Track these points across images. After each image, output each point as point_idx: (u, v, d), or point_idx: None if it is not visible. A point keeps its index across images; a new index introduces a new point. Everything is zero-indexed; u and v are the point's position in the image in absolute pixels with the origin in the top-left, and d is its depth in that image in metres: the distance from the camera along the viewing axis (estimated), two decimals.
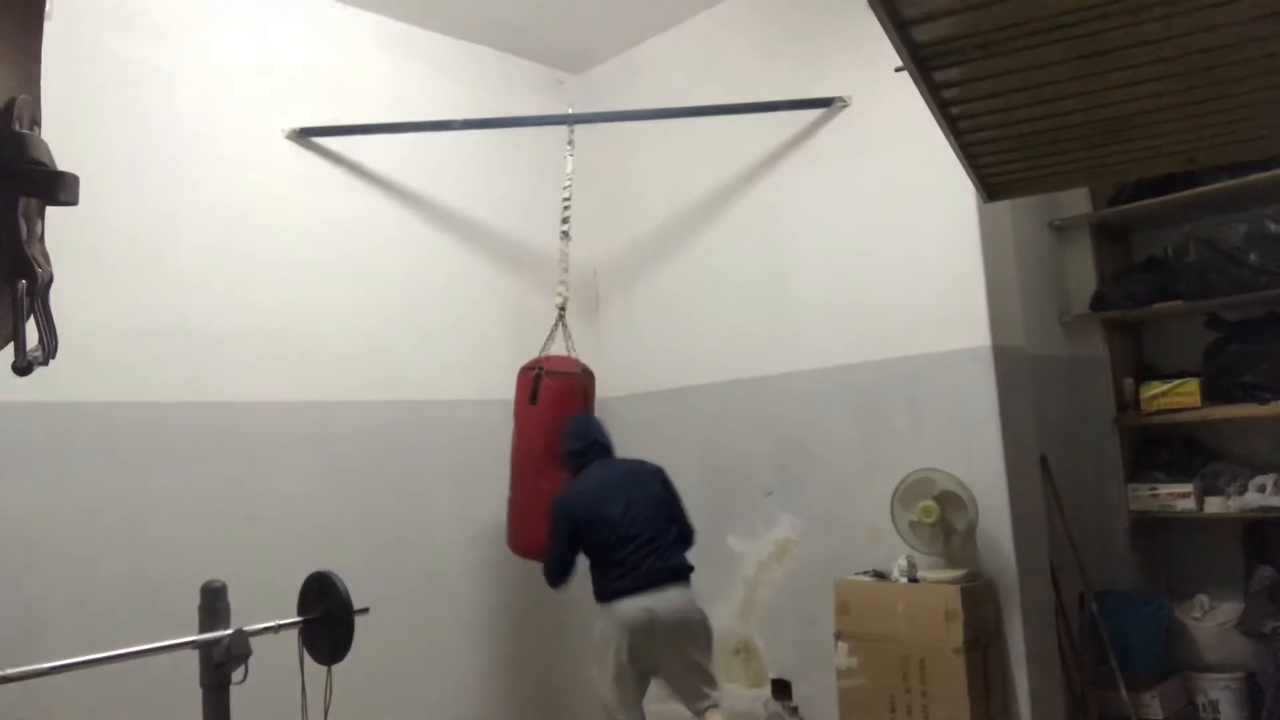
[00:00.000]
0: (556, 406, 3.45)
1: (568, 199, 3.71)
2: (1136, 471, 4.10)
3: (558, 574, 3.21)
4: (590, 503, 3.17)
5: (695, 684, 3.10)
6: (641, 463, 3.37)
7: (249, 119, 3.48)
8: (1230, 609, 3.81)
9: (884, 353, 3.50)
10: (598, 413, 3.70)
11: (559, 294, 3.65)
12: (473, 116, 3.98)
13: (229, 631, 1.98)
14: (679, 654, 3.08)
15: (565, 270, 3.66)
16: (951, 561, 3.19)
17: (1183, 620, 3.87)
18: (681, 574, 3.14)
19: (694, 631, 3.10)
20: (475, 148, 4.14)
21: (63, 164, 0.90)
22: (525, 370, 3.57)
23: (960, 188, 2.84)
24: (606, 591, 3.10)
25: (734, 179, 4.04)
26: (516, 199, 4.30)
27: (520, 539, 3.52)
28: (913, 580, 3.16)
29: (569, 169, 3.71)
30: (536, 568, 3.28)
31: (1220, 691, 3.68)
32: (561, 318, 3.64)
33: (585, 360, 3.65)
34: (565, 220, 3.69)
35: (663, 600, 3.04)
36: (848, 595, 3.29)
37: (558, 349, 3.61)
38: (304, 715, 2.13)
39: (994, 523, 3.19)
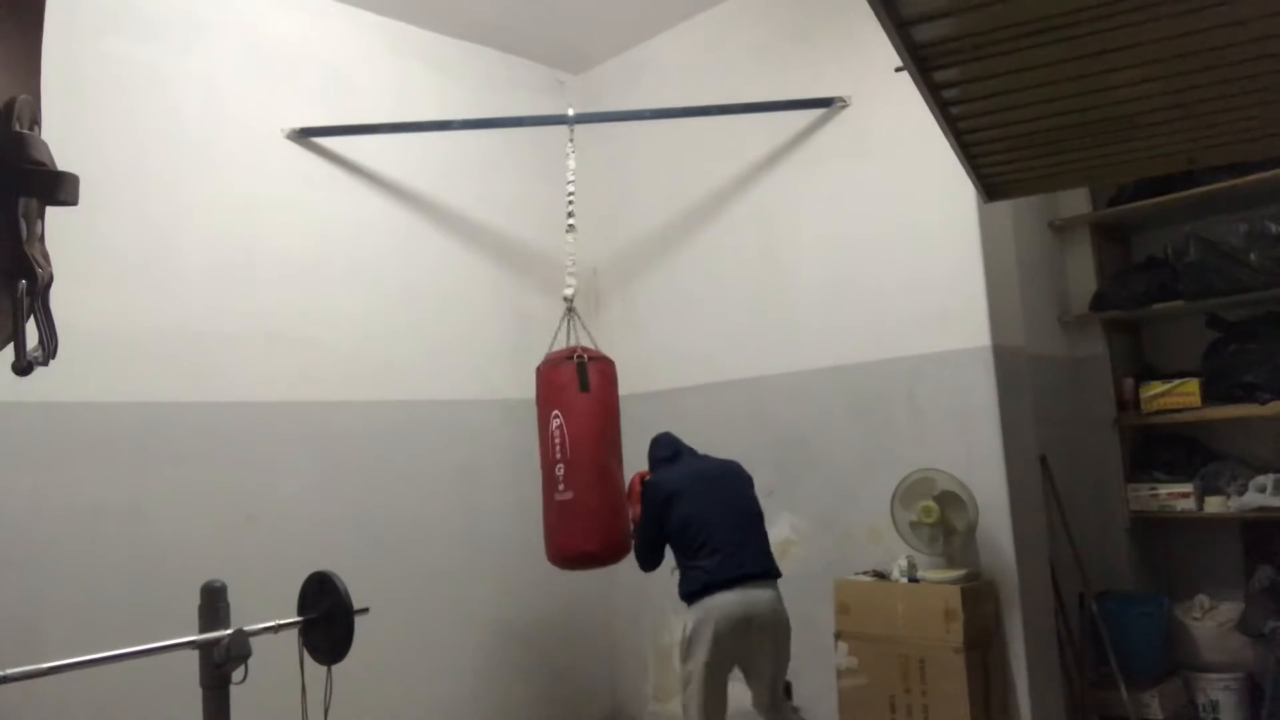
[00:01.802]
0: (606, 390, 3.30)
1: (571, 193, 3.70)
2: (1136, 471, 4.10)
3: (649, 555, 3.12)
4: (681, 480, 3.08)
5: (780, 698, 3.00)
6: (734, 463, 3.24)
7: (249, 119, 3.48)
8: (1230, 609, 3.81)
9: (884, 352, 3.49)
10: None
11: (569, 285, 3.64)
12: (473, 116, 3.99)
13: (229, 631, 1.98)
14: (775, 658, 2.96)
15: (573, 263, 3.66)
16: (951, 561, 3.19)
17: (1183, 620, 3.87)
18: (774, 575, 3.04)
19: (783, 637, 2.99)
20: (475, 148, 4.14)
21: (63, 164, 0.90)
22: (554, 363, 3.30)
23: (960, 188, 2.84)
24: (699, 585, 2.94)
25: (734, 179, 4.04)
26: (516, 199, 4.30)
27: (577, 541, 3.14)
28: (913, 580, 3.17)
29: (571, 164, 3.70)
30: (535, 568, 3.26)
31: (1220, 691, 3.68)
32: (571, 309, 3.54)
33: None
34: (570, 214, 3.69)
35: (759, 597, 2.93)
36: (848, 595, 3.29)
37: (563, 342, 3.56)
38: (304, 715, 2.13)
39: (994, 523, 3.18)
